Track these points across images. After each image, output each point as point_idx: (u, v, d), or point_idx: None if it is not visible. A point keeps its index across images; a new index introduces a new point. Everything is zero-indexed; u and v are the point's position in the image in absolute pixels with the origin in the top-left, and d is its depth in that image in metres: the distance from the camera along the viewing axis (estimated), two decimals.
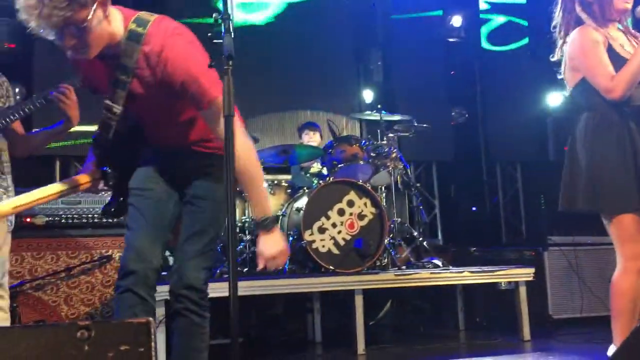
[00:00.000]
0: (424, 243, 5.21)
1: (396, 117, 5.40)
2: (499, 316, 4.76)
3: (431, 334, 4.88)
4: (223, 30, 1.83)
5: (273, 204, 4.67)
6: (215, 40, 1.84)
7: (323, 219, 4.30)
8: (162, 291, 3.36)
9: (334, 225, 4.31)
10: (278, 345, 4.64)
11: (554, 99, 6.80)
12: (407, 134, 5.30)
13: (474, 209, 7.21)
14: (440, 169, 7.18)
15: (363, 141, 4.89)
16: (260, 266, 2.16)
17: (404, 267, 4.67)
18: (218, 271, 4.15)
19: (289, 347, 4.59)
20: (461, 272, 4.37)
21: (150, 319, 1.41)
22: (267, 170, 4.96)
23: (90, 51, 1.98)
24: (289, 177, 5.14)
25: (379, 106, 5.27)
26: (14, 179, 2.84)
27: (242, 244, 4.64)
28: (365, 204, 4.40)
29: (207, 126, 2.13)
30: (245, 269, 4.48)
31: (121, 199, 2.29)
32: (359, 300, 4.00)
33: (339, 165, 4.67)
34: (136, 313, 2.11)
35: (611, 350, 2.61)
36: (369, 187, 4.49)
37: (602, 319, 4.38)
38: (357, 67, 7.01)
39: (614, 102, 2.62)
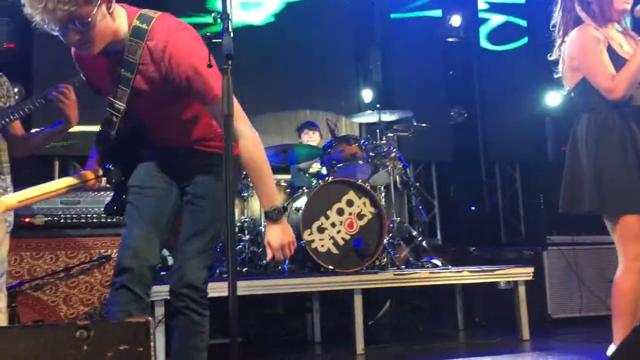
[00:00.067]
0: (423, 243, 5.21)
1: (395, 116, 5.37)
2: (498, 316, 4.76)
3: (430, 333, 4.89)
4: (222, 30, 1.84)
5: None
6: (214, 40, 1.85)
7: (322, 219, 4.30)
8: (162, 291, 3.39)
9: (333, 225, 4.32)
10: (277, 345, 4.65)
11: (553, 99, 6.80)
12: (406, 133, 5.30)
13: (473, 208, 7.21)
14: (440, 169, 7.19)
15: (362, 141, 4.89)
16: (269, 257, 2.17)
17: (403, 266, 4.67)
18: (217, 271, 4.15)
19: (288, 347, 4.59)
20: (460, 271, 4.37)
21: (150, 318, 1.41)
22: None
23: (94, 47, 2.00)
24: (288, 176, 5.14)
25: (377, 105, 5.27)
26: (13, 179, 2.84)
27: (242, 243, 4.64)
28: (364, 204, 4.40)
29: (213, 120, 2.17)
30: (245, 269, 4.48)
31: (123, 197, 2.29)
32: (358, 300, 4.00)
33: (338, 165, 4.67)
34: (130, 310, 2.11)
35: (611, 349, 2.61)
36: (368, 187, 4.49)
37: (601, 319, 4.40)
38: (356, 67, 7.01)
39: (614, 103, 2.62)
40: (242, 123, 2.09)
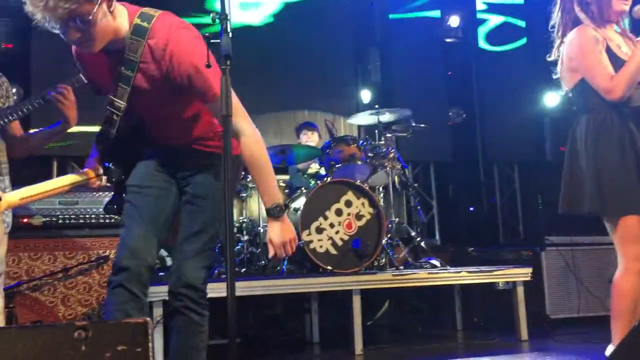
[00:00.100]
0: (422, 243, 5.22)
1: (393, 115, 5.33)
2: (497, 316, 4.76)
3: (429, 334, 4.88)
4: (221, 30, 1.84)
5: None
6: (213, 40, 1.86)
7: (321, 219, 4.30)
8: (160, 291, 3.39)
9: (331, 225, 4.32)
10: (276, 346, 4.64)
11: (551, 99, 6.81)
12: (405, 134, 5.29)
13: (471, 209, 7.22)
14: (438, 169, 7.19)
15: (361, 141, 4.89)
16: (271, 254, 2.16)
17: (401, 267, 4.67)
18: (216, 271, 4.15)
19: (287, 348, 4.59)
20: (459, 272, 4.37)
21: (148, 319, 1.41)
22: None
23: (95, 45, 2.00)
24: (286, 177, 5.14)
25: (376, 106, 5.26)
26: (12, 180, 2.83)
27: (240, 244, 4.64)
28: (363, 204, 4.40)
29: (214, 118, 2.17)
30: (243, 269, 4.48)
31: (123, 195, 2.29)
32: (356, 301, 4.00)
33: (337, 166, 4.67)
34: (127, 309, 2.11)
35: (609, 350, 2.61)
36: (367, 187, 4.49)
37: (599, 319, 4.40)
38: (355, 67, 7.01)
39: (613, 103, 2.62)
40: (242, 120, 2.09)
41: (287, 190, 4.83)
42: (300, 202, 4.35)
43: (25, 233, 3.59)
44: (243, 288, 3.75)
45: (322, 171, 4.91)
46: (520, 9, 7.38)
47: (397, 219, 5.10)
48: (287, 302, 4.88)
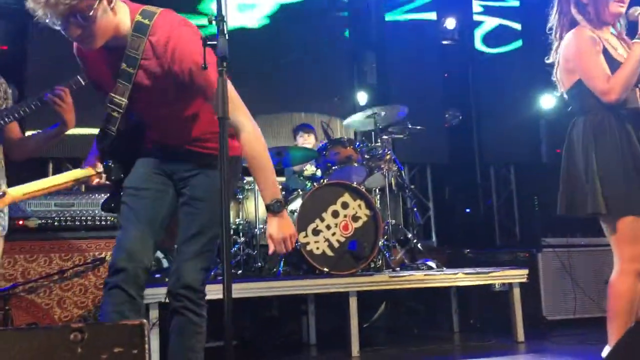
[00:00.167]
0: (418, 245, 5.22)
1: (389, 111, 5.24)
2: (493, 318, 4.76)
3: (425, 335, 4.88)
4: (217, 32, 1.84)
5: None
6: (209, 42, 1.85)
7: (317, 221, 4.30)
8: (156, 293, 3.39)
9: (328, 227, 4.31)
10: (272, 348, 4.64)
11: (547, 101, 6.82)
12: (401, 135, 5.29)
13: (467, 210, 7.23)
14: (435, 171, 7.20)
15: (357, 143, 4.88)
16: (271, 250, 2.16)
17: (398, 268, 4.67)
18: (212, 273, 4.14)
19: (284, 350, 4.58)
20: (455, 273, 4.37)
21: (144, 321, 1.40)
22: None
23: (96, 41, 2.01)
24: (282, 179, 5.13)
25: (374, 108, 5.25)
26: (8, 183, 2.83)
27: (237, 246, 4.63)
28: (359, 206, 4.40)
29: (214, 116, 2.15)
30: (240, 271, 4.47)
31: (121, 193, 2.29)
32: (353, 302, 3.99)
33: (333, 168, 4.67)
34: (124, 310, 2.11)
35: (605, 351, 2.62)
36: (363, 189, 4.49)
37: (595, 320, 4.41)
38: (352, 69, 7.02)
39: (609, 105, 2.63)
40: (242, 115, 2.09)
41: (283, 192, 4.82)
42: (296, 204, 4.35)
43: (21, 235, 3.58)
44: (239, 290, 3.74)
45: (319, 173, 4.91)
46: (516, 11, 7.41)
47: (393, 221, 5.10)
48: (284, 304, 4.87)
